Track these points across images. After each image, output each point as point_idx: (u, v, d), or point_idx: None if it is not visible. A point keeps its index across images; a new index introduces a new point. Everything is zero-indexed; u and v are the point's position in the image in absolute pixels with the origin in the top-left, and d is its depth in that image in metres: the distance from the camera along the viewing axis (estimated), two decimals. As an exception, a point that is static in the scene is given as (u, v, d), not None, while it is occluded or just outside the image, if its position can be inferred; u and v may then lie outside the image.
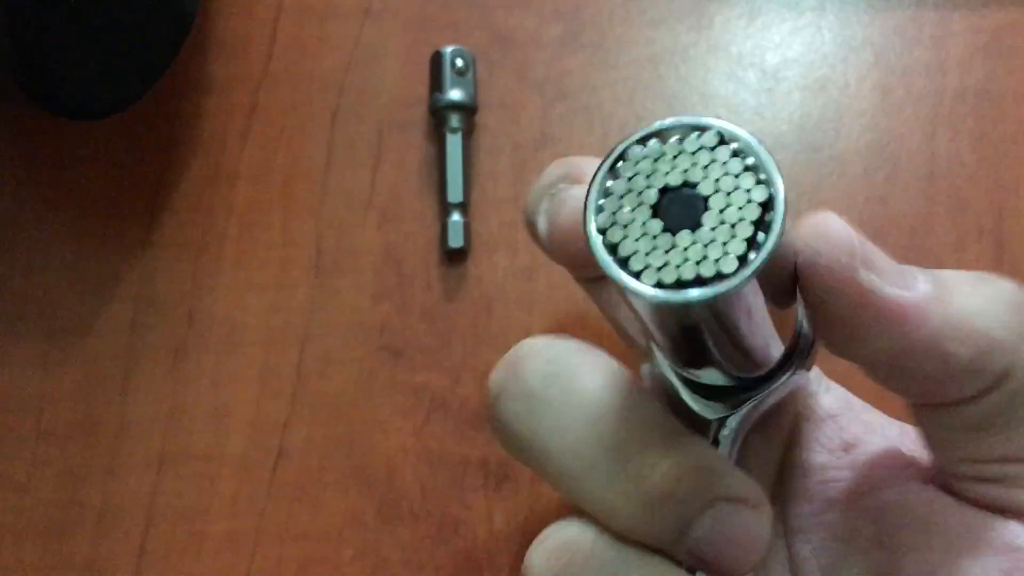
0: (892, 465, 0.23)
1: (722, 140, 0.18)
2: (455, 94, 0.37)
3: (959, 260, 0.36)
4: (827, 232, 0.19)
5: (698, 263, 0.17)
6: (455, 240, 0.37)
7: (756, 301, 0.18)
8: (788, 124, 0.38)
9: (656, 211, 0.18)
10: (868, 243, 0.19)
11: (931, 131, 0.37)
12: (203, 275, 0.37)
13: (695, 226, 0.18)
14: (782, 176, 0.18)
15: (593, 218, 0.18)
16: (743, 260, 0.17)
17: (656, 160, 0.18)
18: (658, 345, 0.21)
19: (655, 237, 0.18)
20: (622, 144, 0.19)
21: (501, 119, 0.39)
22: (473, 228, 0.37)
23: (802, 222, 0.19)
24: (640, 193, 0.18)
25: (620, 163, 0.19)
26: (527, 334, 0.36)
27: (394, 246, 0.37)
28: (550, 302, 0.36)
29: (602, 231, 0.18)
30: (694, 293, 0.17)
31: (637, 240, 0.18)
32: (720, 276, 0.17)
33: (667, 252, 0.18)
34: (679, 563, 0.20)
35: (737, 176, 0.18)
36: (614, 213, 0.18)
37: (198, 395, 0.36)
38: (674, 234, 0.18)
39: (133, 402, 0.36)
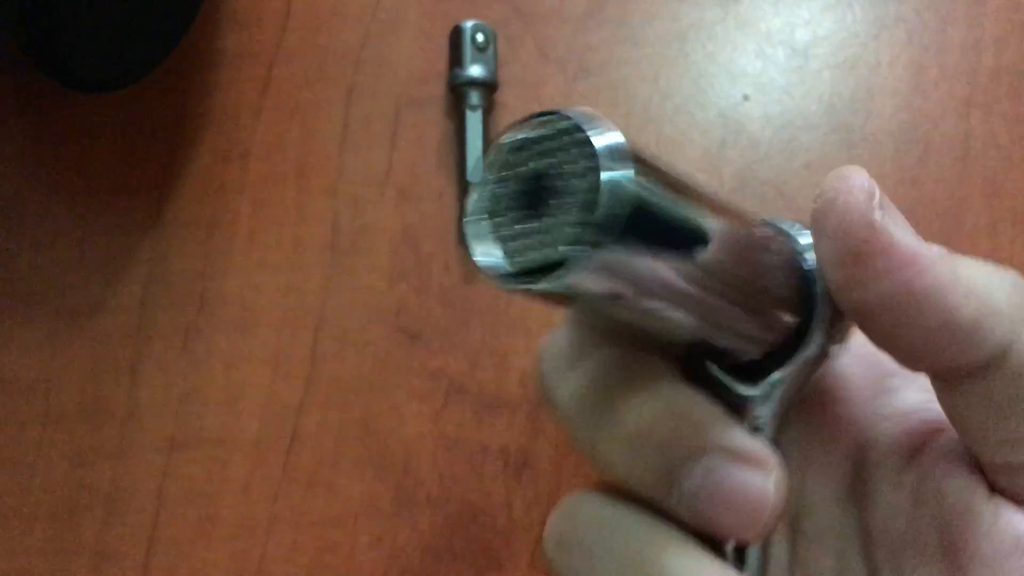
0: (954, 467, 0.22)
1: (565, 131, 0.17)
2: (475, 70, 0.36)
3: (993, 244, 0.35)
4: (849, 176, 0.19)
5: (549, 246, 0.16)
6: (474, 220, 0.35)
7: (650, 264, 0.17)
8: (818, 103, 0.37)
9: (515, 201, 0.17)
10: (888, 200, 0.20)
11: (965, 112, 0.36)
12: (215, 254, 0.36)
13: (542, 210, 0.17)
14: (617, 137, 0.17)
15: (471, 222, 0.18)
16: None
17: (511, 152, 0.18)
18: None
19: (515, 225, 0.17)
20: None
21: (522, 96, 0.38)
22: (492, 208, 0.36)
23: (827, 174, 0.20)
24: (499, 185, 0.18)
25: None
26: (547, 317, 0.35)
27: (411, 226, 0.36)
28: (571, 285, 0.35)
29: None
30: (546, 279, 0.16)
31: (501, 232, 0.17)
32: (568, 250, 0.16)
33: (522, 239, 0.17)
34: (685, 525, 0.20)
35: (572, 154, 0.17)
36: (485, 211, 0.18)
37: (210, 377, 0.35)
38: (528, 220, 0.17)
39: (143, 384, 0.35)
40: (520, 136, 0.18)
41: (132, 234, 0.37)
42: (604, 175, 0.16)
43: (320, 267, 0.36)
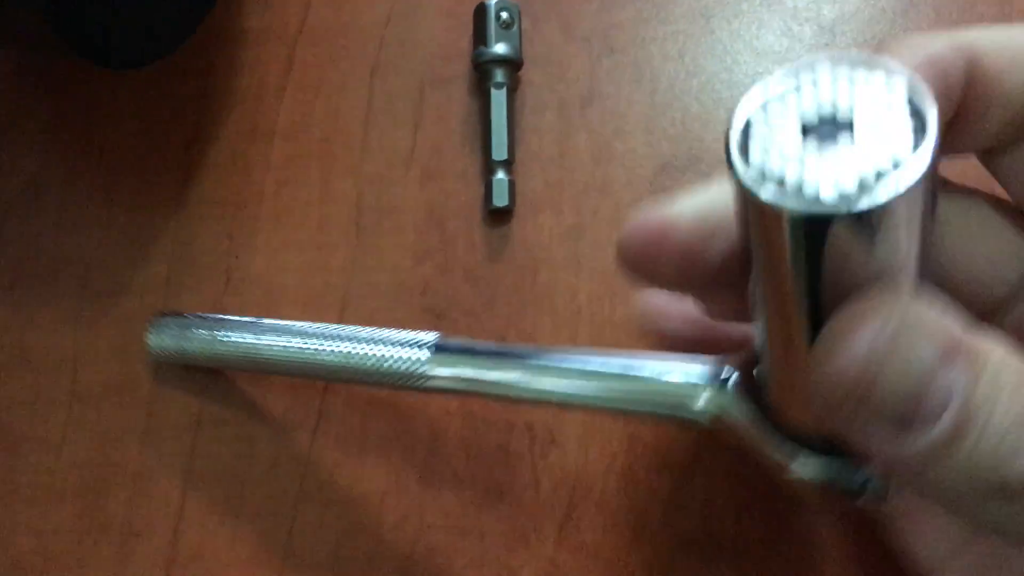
0: None
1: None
2: (500, 48, 0.36)
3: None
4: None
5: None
6: (500, 199, 0.35)
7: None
8: (845, 80, 0.37)
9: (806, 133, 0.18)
10: None
11: (994, 88, 0.36)
12: (240, 233, 0.36)
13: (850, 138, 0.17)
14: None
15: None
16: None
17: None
18: None
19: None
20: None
21: (546, 74, 0.37)
22: (517, 187, 0.36)
23: None
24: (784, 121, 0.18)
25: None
26: (573, 296, 0.35)
27: (436, 205, 0.36)
28: (597, 263, 0.35)
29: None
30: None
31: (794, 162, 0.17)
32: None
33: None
34: None
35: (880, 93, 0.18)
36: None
37: (236, 356, 0.35)
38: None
39: (168, 363, 0.35)
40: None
41: (156, 214, 0.37)
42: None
43: (345, 246, 0.36)
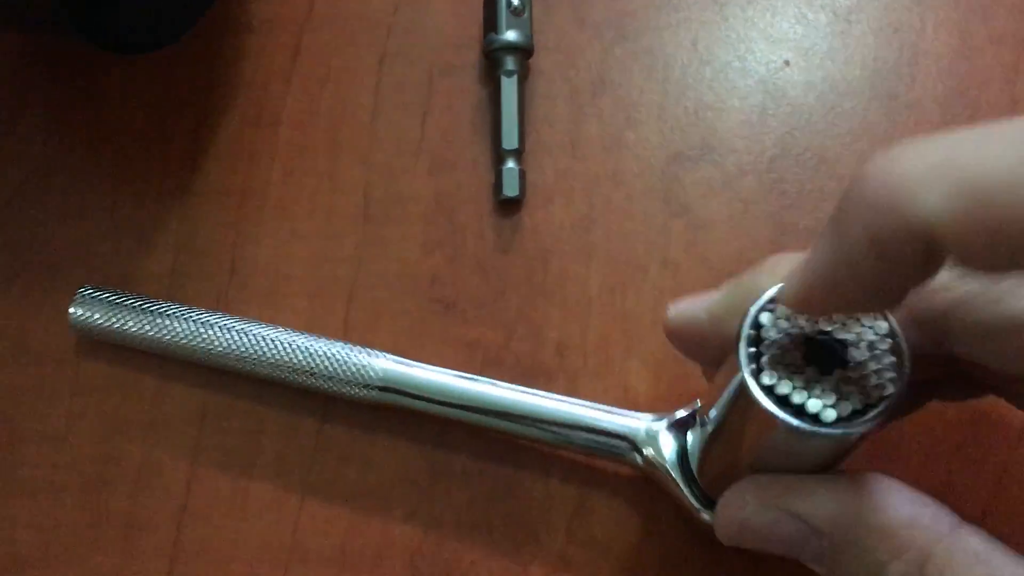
0: None
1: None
2: (511, 35, 0.36)
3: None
4: None
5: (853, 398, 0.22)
6: (510, 189, 0.35)
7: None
8: (861, 69, 0.36)
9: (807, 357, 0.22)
10: None
11: (1013, 77, 0.35)
12: (246, 223, 0.36)
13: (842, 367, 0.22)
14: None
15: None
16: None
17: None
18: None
19: (816, 380, 0.22)
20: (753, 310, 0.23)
21: (558, 62, 0.37)
22: (528, 176, 0.36)
23: None
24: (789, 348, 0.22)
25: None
26: (584, 287, 0.34)
27: (445, 194, 0.36)
28: (608, 254, 0.35)
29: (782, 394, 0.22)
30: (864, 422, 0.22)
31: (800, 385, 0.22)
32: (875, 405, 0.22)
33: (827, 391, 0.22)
34: None
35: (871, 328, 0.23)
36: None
37: (242, 347, 0.34)
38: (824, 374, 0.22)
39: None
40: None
41: (162, 203, 0.36)
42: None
43: (352, 236, 0.36)
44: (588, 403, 0.31)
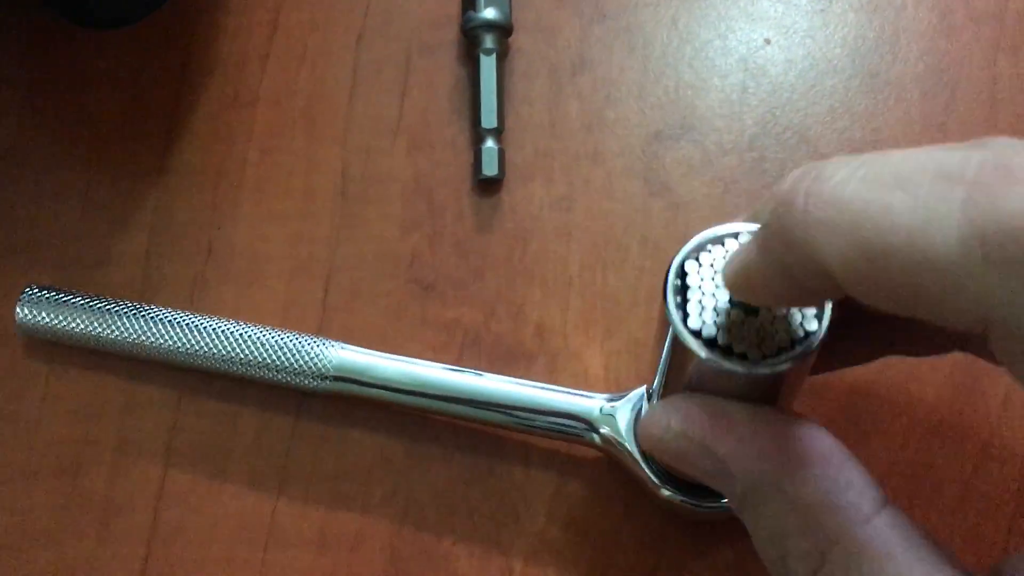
0: None
1: None
2: (490, 13, 0.35)
3: (1022, 191, 0.34)
4: None
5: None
6: (489, 168, 0.35)
7: None
8: (842, 47, 0.36)
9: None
10: None
11: (992, 55, 0.35)
12: (223, 203, 0.36)
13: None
14: None
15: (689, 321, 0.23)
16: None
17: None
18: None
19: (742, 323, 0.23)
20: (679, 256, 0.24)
21: (537, 41, 0.37)
22: (507, 156, 0.35)
23: None
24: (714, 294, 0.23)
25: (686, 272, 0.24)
26: (564, 267, 0.34)
27: (424, 174, 0.35)
28: (588, 233, 0.34)
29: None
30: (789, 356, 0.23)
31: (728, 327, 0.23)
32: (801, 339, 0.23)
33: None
34: None
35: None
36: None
37: (218, 329, 0.34)
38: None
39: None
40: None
41: (137, 183, 0.36)
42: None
43: (330, 216, 0.35)
44: (545, 386, 0.31)
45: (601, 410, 0.30)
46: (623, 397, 0.30)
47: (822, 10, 0.36)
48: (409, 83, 0.36)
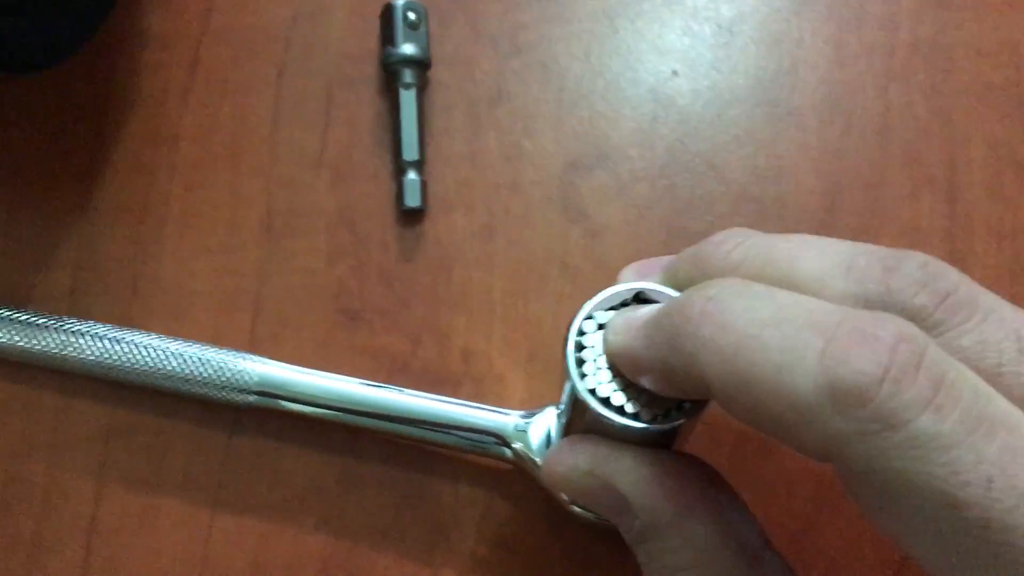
0: None
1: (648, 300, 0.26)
2: (408, 48, 0.36)
3: (913, 212, 0.36)
4: None
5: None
6: (412, 199, 0.36)
7: None
8: (744, 78, 0.38)
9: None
10: None
11: (884, 84, 0.38)
12: (147, 239, 0.36)
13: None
14: None
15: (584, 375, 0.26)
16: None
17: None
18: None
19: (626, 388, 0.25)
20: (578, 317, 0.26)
21: (455, 74, 0.38)
22: (429, 187, 0.36)
23: None
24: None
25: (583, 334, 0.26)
26: (488, 294, 0.35)
27: (348, 206, 0.36)
28: (510, 261, 0.36)
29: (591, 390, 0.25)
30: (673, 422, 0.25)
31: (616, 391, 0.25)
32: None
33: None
34: None
35: None
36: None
37: (146, 364, 0.34)
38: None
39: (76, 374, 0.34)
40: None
41: (60, 221, 0.36)
42: None
43: (256, 249, 0.36)
44: (462, 402, 0.32)
45: (515, 427, 0.32)
46: (536, 413, 0.32)
47: (725, 43, 0.38)
48: (331, 117, 0.37)
